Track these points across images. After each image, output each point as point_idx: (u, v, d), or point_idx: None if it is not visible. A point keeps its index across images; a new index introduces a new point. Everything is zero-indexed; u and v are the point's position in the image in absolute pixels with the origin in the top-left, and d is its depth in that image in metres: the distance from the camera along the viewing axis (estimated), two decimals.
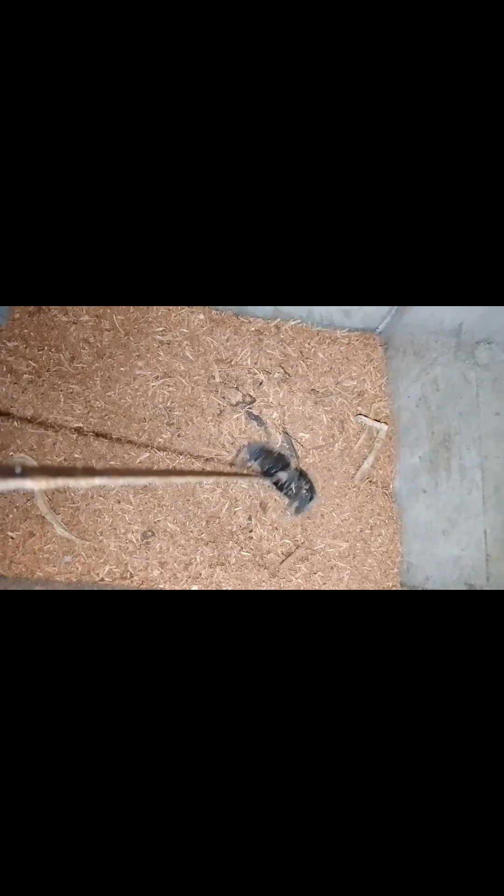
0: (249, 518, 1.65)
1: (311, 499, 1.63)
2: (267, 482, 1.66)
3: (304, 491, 1.61)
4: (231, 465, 1.67)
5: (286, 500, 1.63)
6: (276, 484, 1.64)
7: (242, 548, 1.63)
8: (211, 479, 1.62)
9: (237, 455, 1.67)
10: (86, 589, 1.44)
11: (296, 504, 1.64)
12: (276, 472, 1.64)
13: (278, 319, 1.87)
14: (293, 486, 1.61)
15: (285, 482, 1.62)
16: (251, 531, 1.66)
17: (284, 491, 1.62)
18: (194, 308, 1.83)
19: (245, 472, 1.66)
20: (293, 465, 1.67)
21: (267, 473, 1.65)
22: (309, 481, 1.63)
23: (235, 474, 1.66)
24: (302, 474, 1.63)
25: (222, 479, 1.63)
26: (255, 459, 1.67)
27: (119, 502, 1.60)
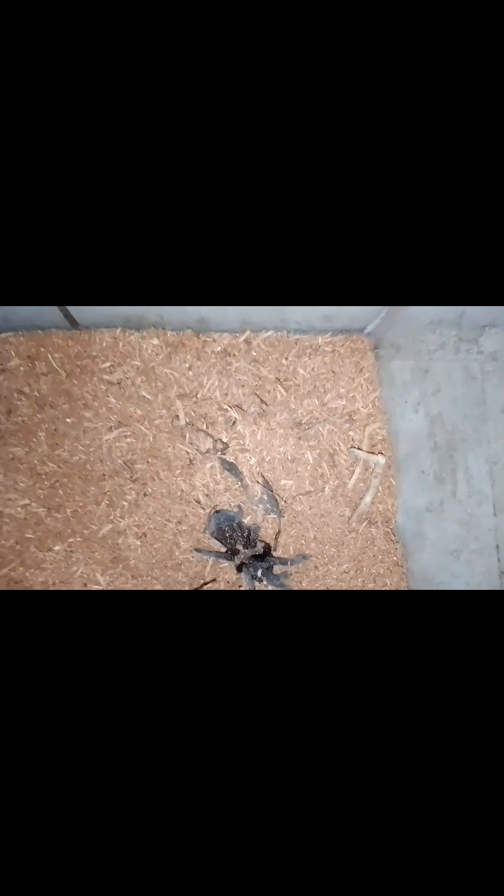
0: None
1: (276, 579, 1.41)
2: (224, 563, 1.46)
3: (263, 571, 1.39)
4: (203, 531, 1.45)
5: (254, 584, 1.42)
6: (237, 569, 1.43)
7: None
8: None
9: (208, 522, 1.44)
10: None
11: (265, 583, 1.43)
12: (234, 555, 1.42)
13: (247, 332, 1.56)
14: (252, 569, 1.39)
15: (241, 565, 1.41)
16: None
17: (250, 575, 1.40)
18: (144, 332, 1.52)
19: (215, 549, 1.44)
20: (256, 533, 1.45)
21: (230, 551, 1.44)
22: (267, 561, 1.40)
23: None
24: (257, 557, 1.40)
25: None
26: (214, 536, 1.45)
27: (86, 585, 1.40)
